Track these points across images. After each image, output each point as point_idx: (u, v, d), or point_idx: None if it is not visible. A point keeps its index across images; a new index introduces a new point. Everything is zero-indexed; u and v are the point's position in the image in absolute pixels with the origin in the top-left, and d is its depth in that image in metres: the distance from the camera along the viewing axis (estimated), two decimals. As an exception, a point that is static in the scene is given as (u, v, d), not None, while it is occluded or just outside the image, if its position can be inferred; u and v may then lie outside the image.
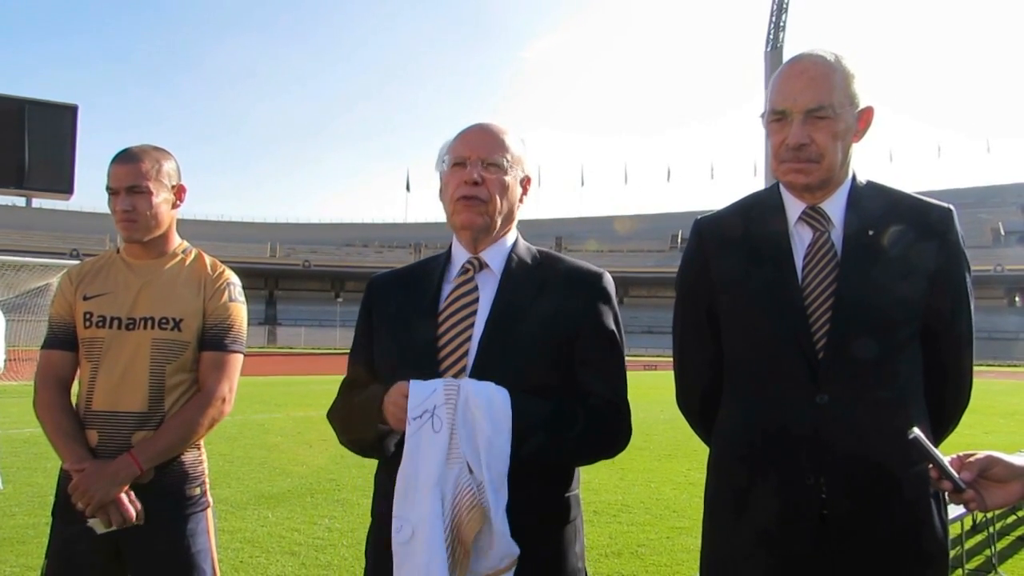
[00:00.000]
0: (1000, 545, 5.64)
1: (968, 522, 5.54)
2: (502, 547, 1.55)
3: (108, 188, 2.29)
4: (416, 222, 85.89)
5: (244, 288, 2.46)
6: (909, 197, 1.84)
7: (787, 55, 1.99)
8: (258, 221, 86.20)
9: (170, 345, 2.25)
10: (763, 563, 1.74)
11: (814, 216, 1.80)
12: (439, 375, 1.69)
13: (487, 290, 1.79)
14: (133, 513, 2.13)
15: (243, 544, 5.49)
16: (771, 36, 62.79)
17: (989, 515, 5.36)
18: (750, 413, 1.81)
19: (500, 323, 1.73)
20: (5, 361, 7.43)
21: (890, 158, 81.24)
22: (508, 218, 1.83)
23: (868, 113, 1.79)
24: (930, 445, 1.46)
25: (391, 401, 1.64)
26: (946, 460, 1.47)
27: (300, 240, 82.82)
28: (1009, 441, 11.26)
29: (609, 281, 1.85)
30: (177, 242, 2.41)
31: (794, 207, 1.83)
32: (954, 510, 3.47)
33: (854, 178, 1.84)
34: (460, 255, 1.85)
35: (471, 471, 1.56)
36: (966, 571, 5.05)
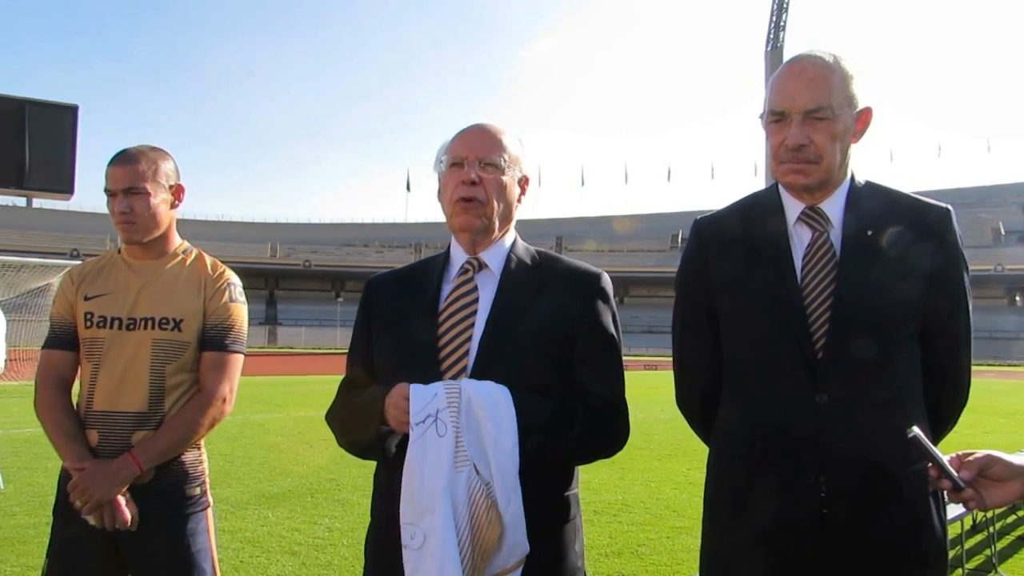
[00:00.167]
0: (1000, 545, 5.64)
1: (968, 521, 5.54)
2: (512, 545, 1.55)
3: (106, 190, 2.29)
4: (416, 222, 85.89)
5: (244, 288, 2.46)
6: (907, 197, 1.85)
7: (787, 55, 2.00)
8: (258, 221, 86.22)
9: (170, 345, 2.25)
10: (762, 562, 1.74)
11: (813, 216, 1.81)
12: (439, 375, 1.70)
13: (486, 290, 1.79)
14: (128, 517, 2.13)
15: (243, 544, 5.49)
16: (771, 36, 62.79)
17: (989, 514, 5.36)
18: (749, 413, 1.82)
19: (500, 323, 1.73)
20: (6, 361, 7.43)
21: (890, 157, 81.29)
22: (506, 218, 1.83)
23: (867, 114, 1.79)
24: (929, 444, 1.46)
25: (392, 403, 1.64)
26: (945, 459, 1.47)
27: (300, 240, 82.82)
28: (1009, 440, 11.27)
29: (607, 281, 1.85)
30: (178, 242, 2.41)
31: (793, 207, 1.84)
32: (954, 509, 3.47)
33: (853, 178, 1.84)
34: (459, 255, 1.86)
35: (478, 472, 1.56)
36: (966, 571, 5.05)
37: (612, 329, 1.82)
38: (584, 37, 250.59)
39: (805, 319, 1.74)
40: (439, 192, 1.84)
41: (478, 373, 1.68)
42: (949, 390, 1.86)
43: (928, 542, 1.73)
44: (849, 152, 1.80)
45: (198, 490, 2.29)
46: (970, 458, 1.47)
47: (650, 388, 15.03)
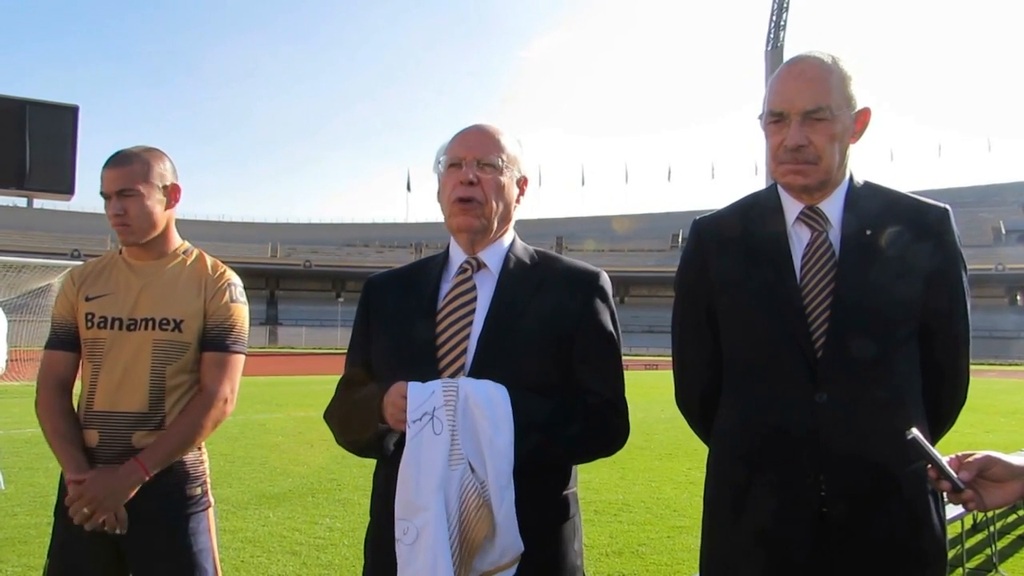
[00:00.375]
0: (1000, 544, 5.65)
1: (968, 521, 5.54)
2: (505, 543, 1.56)
3: (101, 193, 2.30)
4: (417, 222, 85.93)
5: (245, 288, 2.46)
6: (906, 197, 1.85)
7: (788, 54, 2.00)
8: (259, 221, 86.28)
9: (171, 346, 2.26)
10: (762, 562, 1.74)
11: (812, 216, 1.81)
12: (438, 374, 1.70)
13: (485, 289, 1.80)
14: (116, 523, 2.12)
15: (244, 544, 5.49)
16: (771, 35, 62.76)
17: (989, 514, 5.36)
18: (749, 412, 1.82)
19: (498, 322, 1.74)
20: (7, 361, 7.44)
21: (891, 157, 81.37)
22: (505, 219, 1.84)
23: (865, 114, 1.79)
24: (928, 445, 1.46)
25: (390, 401, 1.65)
26: (945, 460, 1.47)
27: (301, 240, 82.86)
28: (1010, 440, 11.27)
29: (606, 280, 1.86)
30: (178, 242, 2.41)
31: (792, 207, 1.84)
32: (954, 509, 3.47)
33: (851, 179, 1.84)
34: (458, 255, 1.86)
35: (473, 471, 1.56)
36: (966, 570, 5.05)
37: (611, 328, 1.82)
38: (585, 37, 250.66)
39: (804, 319, 1.74)
40: (438, 193, 1.85)
41: (476, 372, 1.69)
42: (948, 389, 1.86)
43: (927, 541, 1.73)
44: (848, 152, 1.80)
45: (199, 490, 2.30)
46: (969, 459, 1.47)
47: (650, 388, 15.04)
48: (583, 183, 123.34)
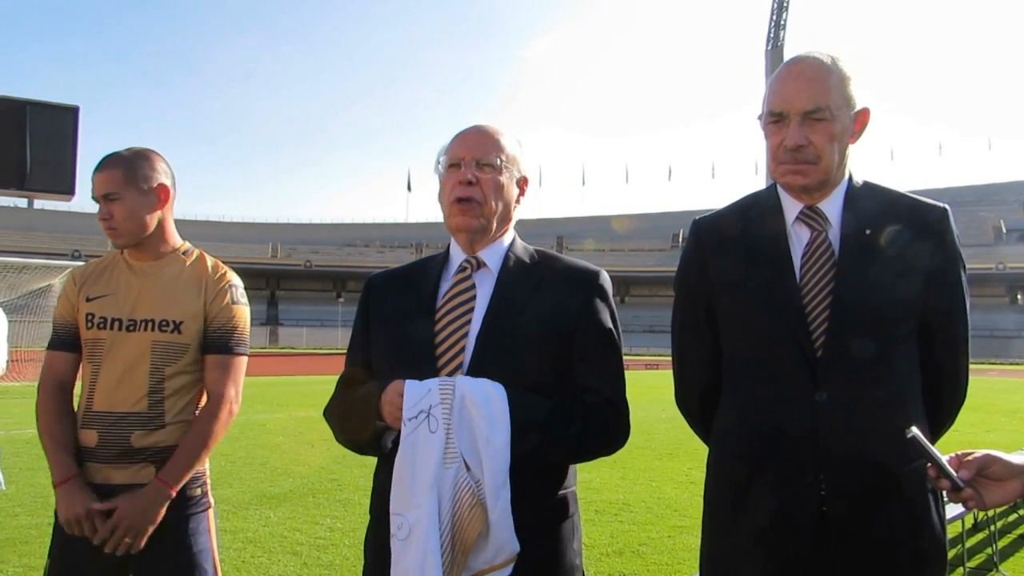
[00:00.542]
0: (1001, 543, 5.65)
1: (969, 520, 5.54)
2: (500, 543, 1.56)
3: (92, 197, 2.31)
4: (417, 222, 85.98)
5: (245, 289, 2.47)
6: (905, 197, 1.85)
7: (788, 54, 2.00)
8: (259, 221, 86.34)
9: (170, 347, 2.26)
10: (762, 561, 1.75)
11: (812, 216, 1.81)
12: (436, 372, 1.70)
13: (484, 288, 1.80)
14: (98, 531, 2.14)
15: (245, 544, 5.50)
16: (772, 35, 62.74)
17: (990, 513, 5.36)
18: (749, 412, 1.82)
19: (497, 320, 1.74)
20: (7, 362, 7.44)
21: (891, 156, 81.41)
22: (504, 218, 1.84)
23: (864, 114, 1.80)
24: (928, 444, 1.46)
25: (387, 399, 1.65)
26: (944, 459, 1.47)
27: (301, 240, 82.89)
28: (1011, 439, 11.27)
29: (606, 279, 1.86)
30: (178, 243, 2.41)
31: (792, 207, 1.84)
32: (955, 508, 3.47)
33: (851, 178, 1.85)
34: (458, 255, 1.87)
35: (468, 469, 1.56)
36: (967, 569, 5.05)
37: (611, 327, 1.82)
38: (585, 36, 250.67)
39: (804, 318, 1.75)
40: (439, 193, 1.85)
41: (474, 370, 1.69)
42: (947, 389, 1.86)
43: (927, 541, 1.73)
44: (847, 152, 1.81)
45: (199, 491, 2.30)
46: (969, 458, 1.47)
47: (651, 387, 15.03)
48: (583, 183, 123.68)
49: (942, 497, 1.75)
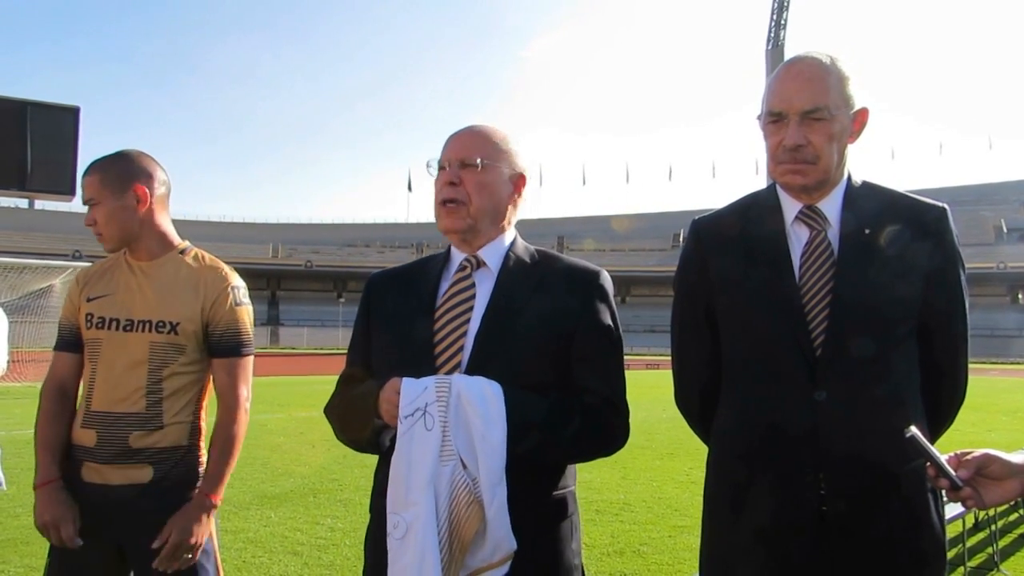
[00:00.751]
0: (1002, 543, 5.65)
1: (970, 520, 5.54)
2: (497, 540, 1.56)
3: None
4: (418, 222, 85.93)
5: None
6: (905, 197, 1.85)
7: (788, 53, 2.01)
8: (260, 222, 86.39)
9: (167, 348, 2.26)
10: (761, 560, 1.75)
11: (811, 216, 1.81)
12: (435, 371, 1.70)
13: (484, 288, 1.80)
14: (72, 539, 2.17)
15: (246, 544, 5.50)
16: (772, 34, 62.72)
17: (991, 513, 5.36)
18: (748, 411, 1.82)
19: (496, 319, 1.74)
20: (8, 363, 7.44)
21: (892, 155, 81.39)
22: (496, 217, 1.83)
23: (863, 114, 1.80)
24: (927, 443, 1.46)
25: (385, 398, 1.65)
26: (943, 458, 1.47)
27: (302, 240, 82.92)
28: (1012, 439, 11.27)
29: (607, 279, 1.85)
30: (176, 242, 2.40)
31: (791, 207, 1.84)
32: (955, 508, 3.47)
33: (850, 178, 1.85)
34: (458, 254, 1.87)
35: (465, 467, 1.56)
36: (968, 569, 5.05)
37: (611, 327, 1.82)
38: (585, 36, 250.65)
39: (804, 317, 1.75)
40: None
41: (472, 369, 1.69)
42: (947, 388, 1.86)
43: (927, 540, 1.74)
44: (846, 152, 1.81)
45: (198, 491, 2.30)
46: (968, 457, 1.47)
47: (652, 387, 15.04)
48: (584, 183, 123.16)
49: (942, 497, 1.75)
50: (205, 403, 2.36)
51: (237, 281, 2.40)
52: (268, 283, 75.43)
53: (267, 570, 4.96)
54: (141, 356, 2.24)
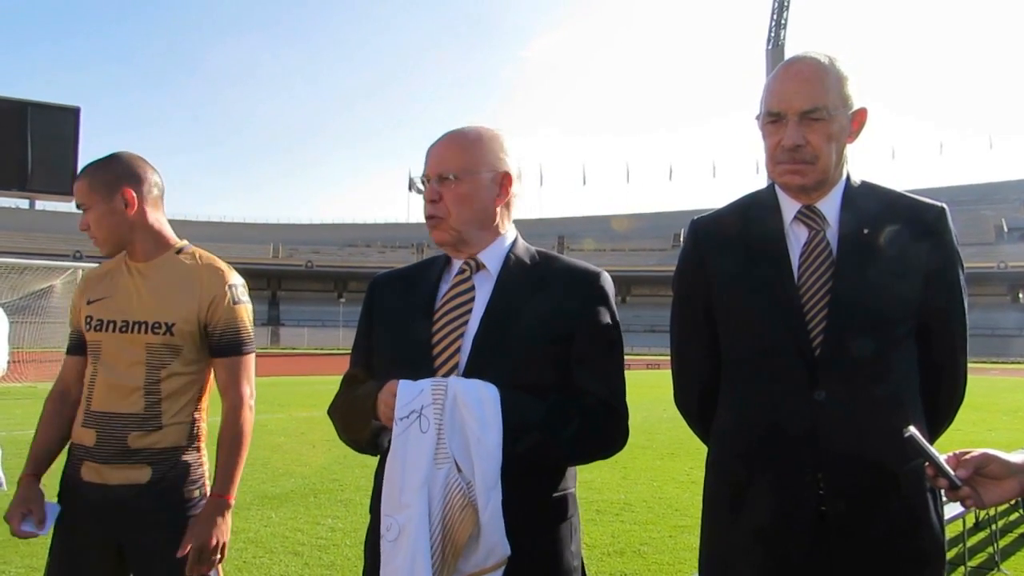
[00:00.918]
0: (1003, 542, 5.65)
1: (970, 519, 5.54)
2: (491, 545, 1.55)
3: None
4: (418, 222, 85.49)
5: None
6: (903, 197, 1.85)
7: (788, 53, 2.01)
8: (260, 222, 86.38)
9: (165, 348, 2.26)
10: (761, 560, 1.75)
11: (810, 215, 1.82)
12: (433, 373, 1.70)
13: (483, 290, 1.80)
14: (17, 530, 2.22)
15: (246, 544, 5.50)
16: (772, 34, 62.71)
17: (991, 512, 5.36)
18: (748, 411, 1.82)
19: (495, 321, 1.74)
20: (8, 363, 7.43)
21: (892, 155, 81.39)
22: (484, 223, 1.82)
23: (862, 114, 1.80)
24: (926, 443, 1.46)
25: (382, 399, 1.66)
26: (942, 458, 1.47)
27: (302, 240, 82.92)
28: (1012, 438, 11.26)
29: (607, 280, 1.85)
30: (173, 242, 2.40)
31: (790, 207, 1.85)
32: (955, 508, 3.47)
33: (848, 178, 1.85)
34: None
35: (460, 471, 1.56)
36: (968, 568, 5.05)
37: (611, 328, 1.81)
38: (585, 35, 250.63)
39: (803, 317, 1.75)
40: None
41: (470, 372, 1.69)
42: (946, 388, 1.86)
43: (926, 540, 1.74)
44: (845, 152, 1.81)
45: (198, 492, 2.30)
46: (967, 457, 1.47)
47: (652, 387, 15.02)
48: (584, 183, 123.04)
49: (941, 496, 1.75)
50: (205, 404, 2.36)
51: (235, 279, 2.39)
52: (269, 283, 75.41)
53: (268, 570, 4.97)
54: (138, 357, 2.25)
